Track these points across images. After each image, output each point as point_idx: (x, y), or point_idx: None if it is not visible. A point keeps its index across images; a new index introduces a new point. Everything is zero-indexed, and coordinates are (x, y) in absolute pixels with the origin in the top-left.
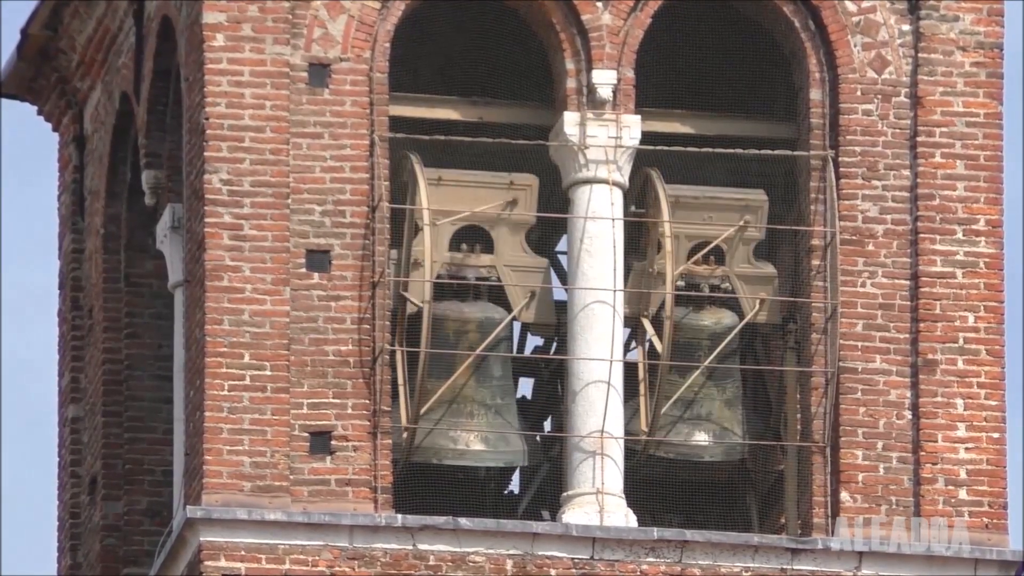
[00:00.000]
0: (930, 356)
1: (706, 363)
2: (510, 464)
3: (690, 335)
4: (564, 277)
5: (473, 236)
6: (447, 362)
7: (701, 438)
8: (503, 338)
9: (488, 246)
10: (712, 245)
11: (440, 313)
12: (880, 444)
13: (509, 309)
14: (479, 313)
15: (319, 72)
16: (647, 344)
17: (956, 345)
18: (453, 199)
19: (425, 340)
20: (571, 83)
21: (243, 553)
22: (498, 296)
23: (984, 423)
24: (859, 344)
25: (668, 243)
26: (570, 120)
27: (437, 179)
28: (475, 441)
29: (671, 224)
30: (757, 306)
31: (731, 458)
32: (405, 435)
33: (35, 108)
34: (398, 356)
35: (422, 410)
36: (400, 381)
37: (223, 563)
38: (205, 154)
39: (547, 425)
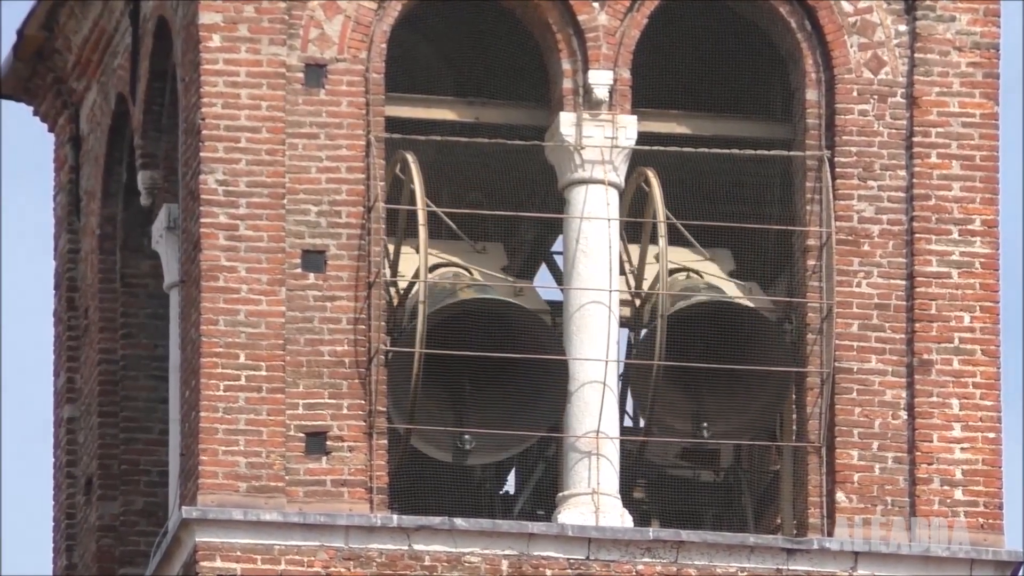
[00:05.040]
0: (925, 356)
1: (700, 365)
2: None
3: (688, 285)
4: (560, 277)
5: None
6: (448, 291)
7: (722, 284)
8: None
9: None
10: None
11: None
12: (875, 444)
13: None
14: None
15: (315, 72)
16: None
17: (951, 345)
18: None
19: (420, 341)
20: (567, 83)
21: (239, 554)
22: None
23: (979, 423)
24: (855, 344)
25: (662, 243)
26: (566, 120)
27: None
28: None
29: (664, 221)
30: (749, 293)
31: (754, 300)
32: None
33: (31, 108)
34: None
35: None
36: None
37: (219, 563)
38: (201, 154)
39: None
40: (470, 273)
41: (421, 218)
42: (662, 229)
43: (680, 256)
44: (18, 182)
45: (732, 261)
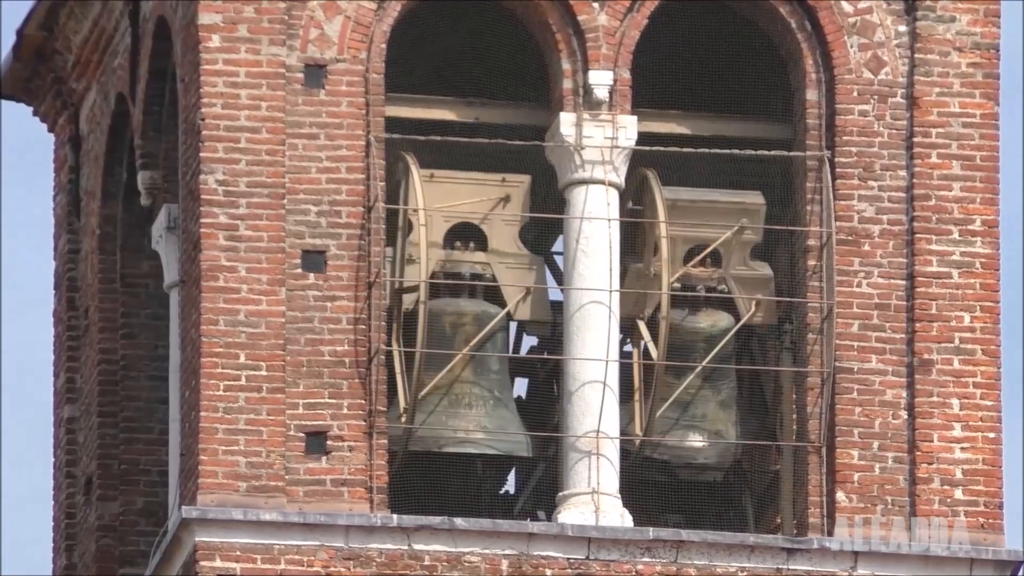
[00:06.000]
0: (926, 356)
1: (702, 364)
2: (510, 453)
3: (686, 337)
4: (560, 278)
5: (467, 234)
6: (443, 357)
7: (695, 439)
8: (499, 330)
9: (482, 243)
10: (709, 249)
11: (436, 309)
12: (876, 444)
13: (504, 307)
14: (475, 307)
15: (315, 73)
16: (642, 346)
17: (952, 345)
18: (446, 197)
19: (421, 339)
20: (567, 84)
21: (238, 553)
22: (493, 296)
23: (980, 423)
24: (855, 344)
25: (664, 244)
26: (566, 121)
27: (430, 176)
28: (475, 431)
29: (667, 226)
30: (753, 308)
31: (724, 460)
32: (403, 419)
33: (31, 108)
34: (395, 352)
35: (420, 394)
36: (397, 370)
37: (218, 563)
38: (201, 155)
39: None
40: (479, 264)
41: (422, 218)
42: (664, 230)
43: (712, 216)
44: (18, 182)
45: (762, 214)
